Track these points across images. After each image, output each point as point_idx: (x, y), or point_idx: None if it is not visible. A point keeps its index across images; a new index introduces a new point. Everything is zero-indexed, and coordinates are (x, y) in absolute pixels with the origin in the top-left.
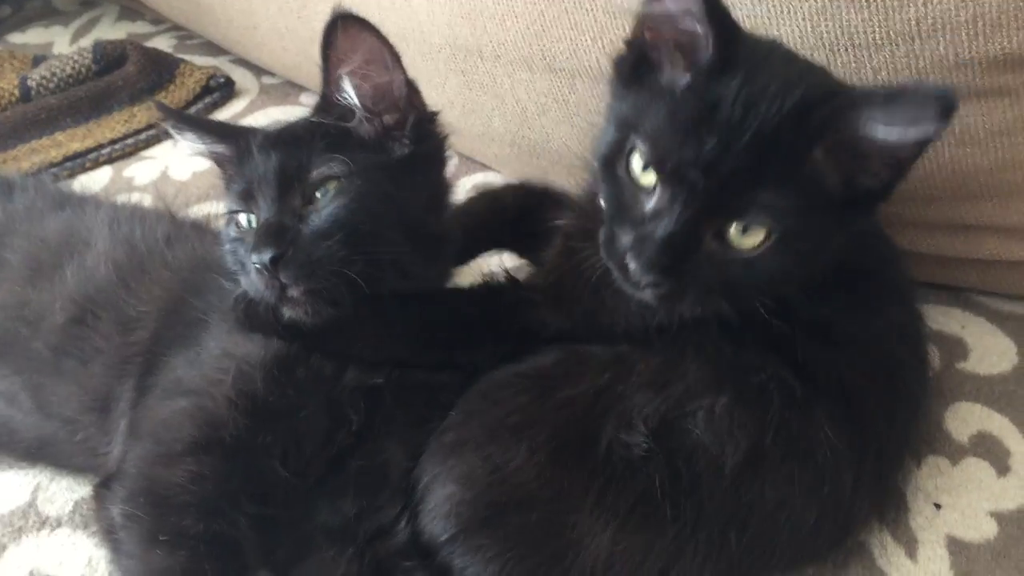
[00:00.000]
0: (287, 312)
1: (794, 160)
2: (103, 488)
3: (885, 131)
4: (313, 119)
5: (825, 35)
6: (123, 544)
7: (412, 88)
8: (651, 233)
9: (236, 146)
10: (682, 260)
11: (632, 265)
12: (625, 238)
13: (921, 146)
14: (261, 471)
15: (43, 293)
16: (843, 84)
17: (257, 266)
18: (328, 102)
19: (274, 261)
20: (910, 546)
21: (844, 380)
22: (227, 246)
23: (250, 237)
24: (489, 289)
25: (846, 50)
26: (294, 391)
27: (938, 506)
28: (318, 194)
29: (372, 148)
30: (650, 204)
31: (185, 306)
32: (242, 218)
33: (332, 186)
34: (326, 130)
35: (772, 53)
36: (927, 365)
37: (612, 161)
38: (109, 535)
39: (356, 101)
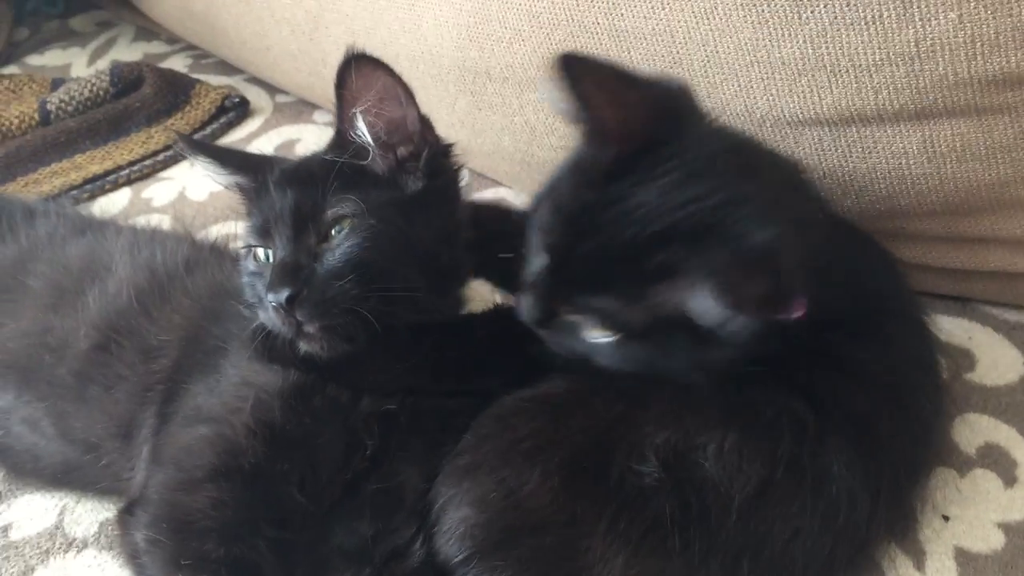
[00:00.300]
0: (303, 346)
1: (635, 288)
2: (126, 514)
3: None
4: (327, 157)
5: (826, 57)
6: (147, 569)
7: (426, 123)
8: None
9: (254, 178)
10: (548, 317)
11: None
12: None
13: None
14: (279, 497)
15: (66, 320)
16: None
17: (273, 304)
18: (342, 139)
19: (290, 300)
20: (918, 558)
21: (859, 409)
22: (246, 279)
23: (268, 272)
24: (498, 317)
25: (847, 71)
26: (311, 419)
27: (946, 518)
28: (333, 232)
29: (386, 185)
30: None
31: (205, 334)
32: (260, 252)
33: (346, 224)
34: (340, 168)
35: (693, 162)
36: (941, 388)
37: (536, 210)
38: (133, 560)
39: (369, 139)
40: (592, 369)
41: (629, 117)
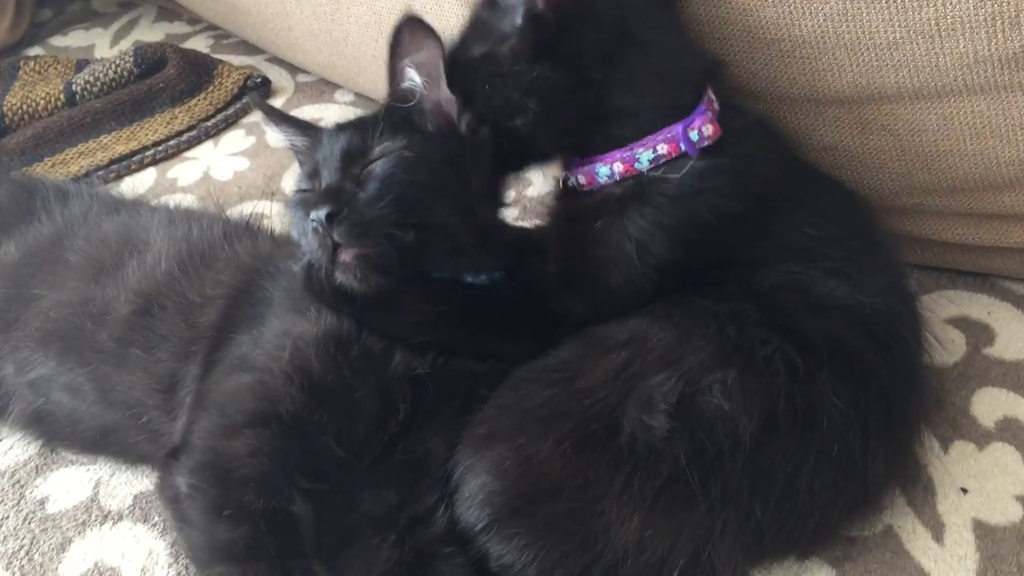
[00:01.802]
0: (339, 276)
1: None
2: (170, 458)
3: None
4: (382, 108)
5: (845, 35)
6: (188, 514)
7: (459, 102)
8: None
9: (311, 138)
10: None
11: None
12: None
13: None
14: (316, 447)
15: (107, 289)
16: None
17: (313, 223)
18: (393, 92)
19: (329, 218)
20: (937, 530)
21: (842, 345)
22: (293, 216)
23: (309, 203)
24: (520, 282)
25: (867, 49)
26: (347, 370)
27: (964, 491)
28: (376, 166)
29: (428, 135)
30: None
31: (255, 288)
32: (308, 195)
33: (392, 157)
34: (389, 115)
35: None
36: (919, 322)
37: None
38: (174, 503)
39: (418, 82)
40: (596, 329)
41: None
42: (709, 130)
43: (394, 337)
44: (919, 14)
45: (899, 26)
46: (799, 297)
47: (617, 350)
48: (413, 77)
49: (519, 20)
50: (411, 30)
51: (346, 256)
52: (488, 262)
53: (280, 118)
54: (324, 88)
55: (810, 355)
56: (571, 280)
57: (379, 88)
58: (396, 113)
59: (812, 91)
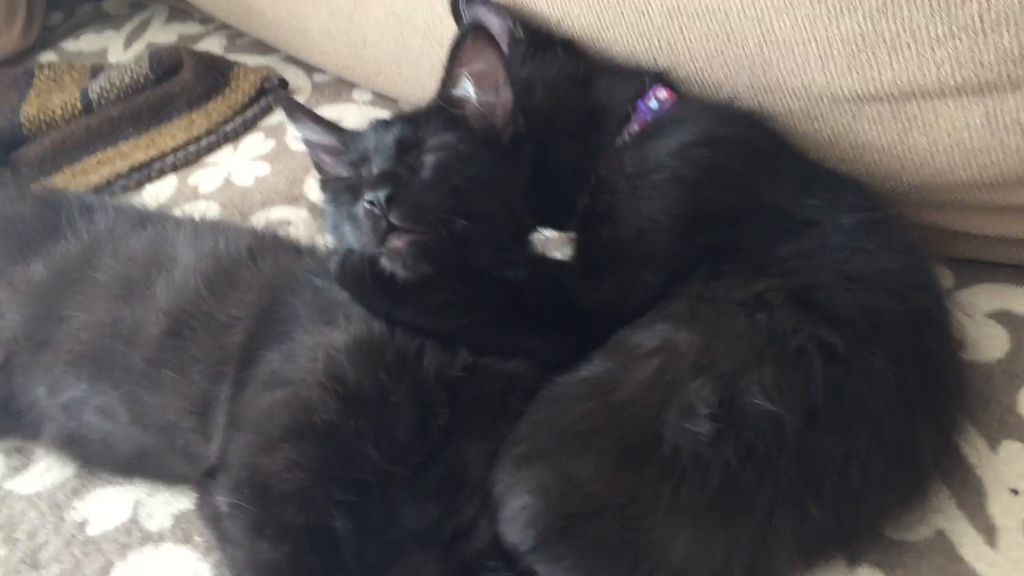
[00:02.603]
0: (385, 263)
1: None
2: (208, 478)
3: None
4: (432, 105)
5: (887, 32)
6: (229, 533)
7: (516, 107)
8: None
9: (342, 136)
10: None
11: None
12: None
13: None
14: (355, 457)
15: (136, 309)
16: None
17: (368, 204)
18: (444, 95)
19: (389, 198)
20: (989, 533)
21: (877, 314)
22: (330, 199)
23: (359, 190)
24: (548, 279)
25: (908, 47)
26: (383, 373)
27: (1015, 492)
28: (431, 157)
29: (479, 137)
30: None
31: (279, 305)
32: (352, 180)
33: (447, 150)
34: (440, 113)
35: None
36: (937, 283)
37: None
38: (215, 524)
39: (472, 94)
40: (625, 338)
41: None
42: (663, 93)
43: (423, 328)
44: (963, 10)
45: (942, 22)
46: (824, 268)
47: (648, 358)
48: (467, 87)
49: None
50: (474, 39)
51: (398, 241)
52: (519, 262)
53: (304, 114)
54: (342, 88)
55: (848, 330)
56: (597, 267)
57: (398, 88)
58: (446, 112)
59: (853, 89)
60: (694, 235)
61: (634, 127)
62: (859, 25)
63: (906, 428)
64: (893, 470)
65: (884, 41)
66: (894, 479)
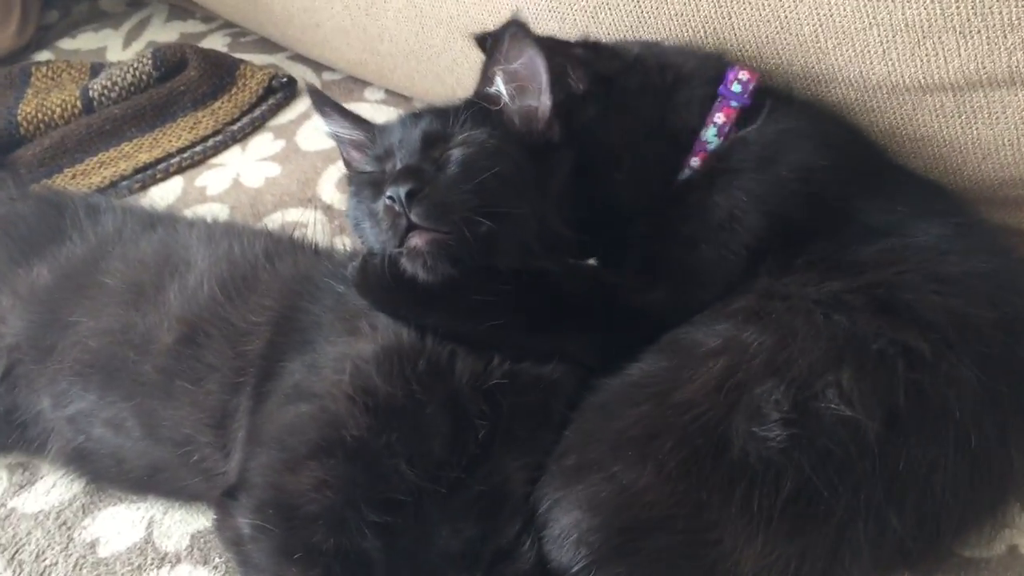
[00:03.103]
0: (405, 264)
1: None
2: (227, 498)
3: None
4: (465, 99)
5: (956, 17)
6: (252, 557)
7: (555, 112)
8: None
9: (369, 130)
10: None
11: None
12: None
13: None
14: (386, 474)
15: (148, 316)
16: None
17: (388, 201)
18: (480, 91)
19: (410, 195)
20: None
21: (965, 319)
22: (355, 199)
23: (381, 185)
24: (591, 274)
25: (978, 32)
26: (415, 384)
27: None
28: (457, 152)
29: (512, 134)
30: None
31: (299, 312)
32: (375, 175)
33: (474, 145)
34: (473, 107)
35: None
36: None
37: None
38: (236, 546)
39: (504, 92)
40: (680, 337)
41: None
42: (744, 75)
43: (454, 332)
44: None
45: (1017, 5)
46: (910, 270)
47: (713, 358)
48: (500, 86)
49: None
50: (513, 36)
51: (418, 240)
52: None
53: (333, 108)
54: (352, 86)
55: (934, 334)
56: (656, 266)
57: (414, 85)
58: (478, 106)
59: (916, 78)
60: (766, 253)
61: (718, 117)
62: (926, 10)
63: (996, 439)
64: (980, 482)
65: (953, 27)
66: (980, 491)
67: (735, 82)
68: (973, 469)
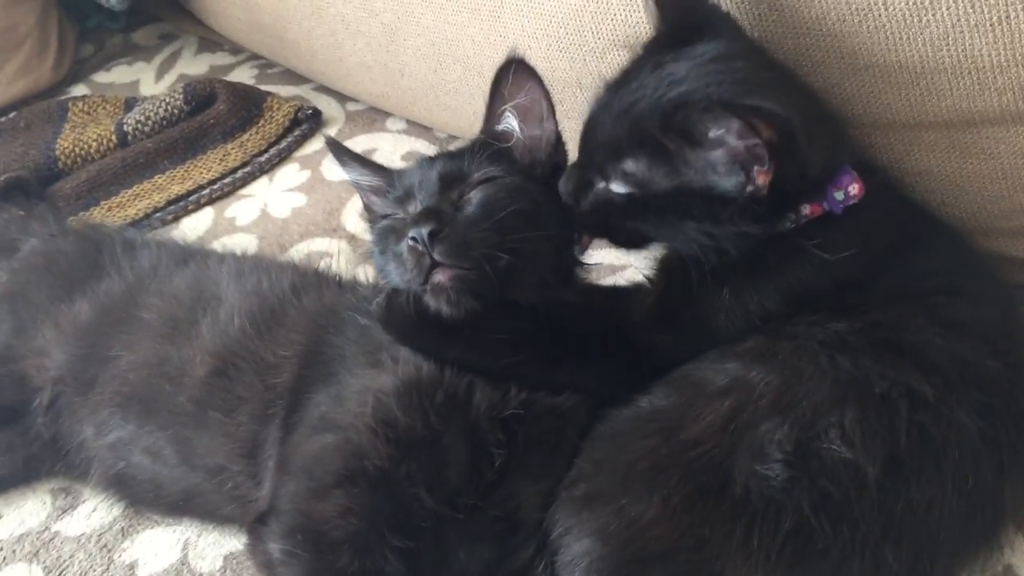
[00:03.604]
0: (429, 301)
1: (658, 144)
2: (259, 524)
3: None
4: (476, 139)
5: (947, 59)
6: None
7: (559, 137)
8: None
9: (388, 176)
10: (581, 190)
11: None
12: None
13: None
14: (407, 501)
15: (182, 349)
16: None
17: (411, 242)
18: (489, 130)
19: (432, 235)
20: None
21: (970, 365)
22: (376, 239)
23: (403, 228)
24: (605, 309)
25: (968, 73)
26: (433, 416)
27: None
28: (476, 192)
29: (524, 170)
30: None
31: (325, 346)
32: (396, 219)
33: (492, 184)
34: (486, 147)
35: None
36: None
37: None
38: (268, 569)
39: (516, 128)
40: (690, 373)
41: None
42: (855, 189)
43: (474, 366)
44: None
45: (1005, 49)
46: (917, 313)
47: (720, 397)
48: (511, 122)
49: (729, 186)
50: (515, 72)
51: (442, 277)
52: (568, 295)
53: (352, 158)
54: (375, 117)
55: (937, 378)
56: (670, 318)
57: (434, 117)
58: (490, 146)
59: (909, 116)
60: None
61: (804, 208)
62: (919, 53)
63: (992, 483)
64: (974, 520)
65: (944, 68)
66: (974, 528)
67: (842, 191)
68: (969, 509)
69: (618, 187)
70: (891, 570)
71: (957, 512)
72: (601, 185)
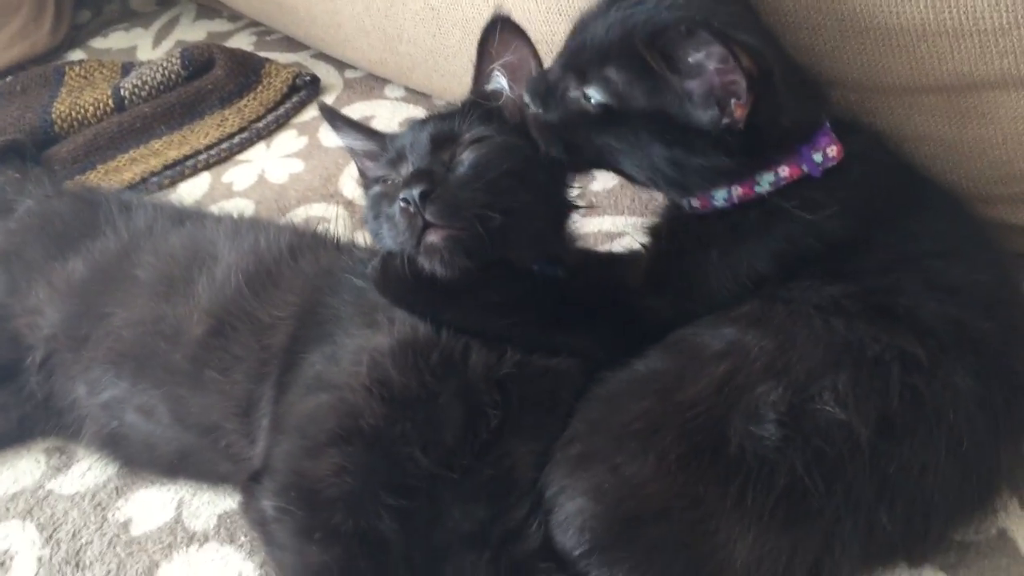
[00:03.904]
0: (423, 262)
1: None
2: (253, 482)
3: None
4: (466, 100)
5: (948, 21)
6: (276, 537)
7: None
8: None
9: (381, 140)
10: (549, 95)
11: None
12: None
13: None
14: (400, 460)
15: (178, 307)
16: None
17: (403, 203)
18: (478, 91)
19: (423, 196)
20: None
21: (964, 328)
22: (370, 203)
23: (395, 191)
24: (598, 276)
25: (970, 36)
26: (428, 376)
27: None
28: (467, 153)
29: (515, 129)
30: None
31: (320, 307)
32: (389, 181)
33: (482, 142)
34: (476, 107)
35: None
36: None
37: None
38: (261, 527)
39: (505, 87)
40: (685, 337)
41: None
42: (833, 151)
43: (470, 328)
44: None
45: (1007, 12)
46: (911, 276)
47: (716, 361)
48: (500, 80)
49: (704, 119)
50: (501, 31)
51: (434, 237)
52: (564, 256)
53: (345, 123)
54: (374, 84)
55: (931, 341)
56: (663, 284)
57: (433, 84)
58: (480, 106)
59: (909, 80)
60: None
61: (783, 170)
62: (920, 14)
63: (987, 443)
64: (968, 482)
65: (946, 30)
66: (968, 491)
67: (819, 152)
68: (963, 471)
69: (596, 93)
70: (884, 531)
71: (951, 475)
72: (575, 93)
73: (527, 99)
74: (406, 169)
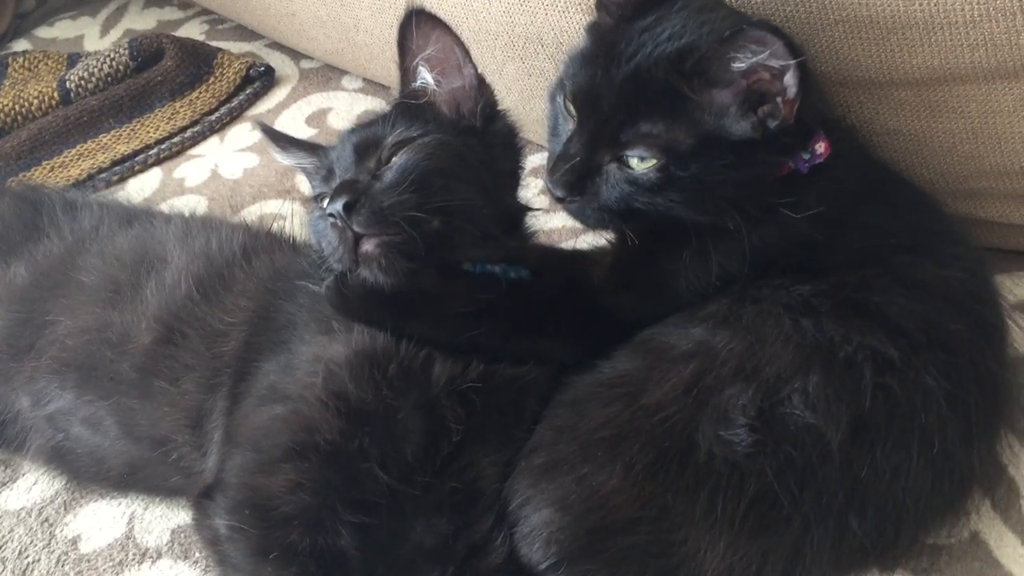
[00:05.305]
0: (364, 273)
1: (673, 96)
2: (204, 498)
3: (738, 65)
4: (394, 102)
5: (919, 14)
6: (230, 557)
7: (481, 80)
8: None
9: (319, 156)
10: (585, 178)
11: (546, 179)
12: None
13: (776, 76)
14: (358, 476)
15: (125, 314)
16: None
17: (332, 219)
18: (405, 90)
19: (347, 208)
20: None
21: (935, 327)
22: (313, 226)
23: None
24: (562, 277)
25: (941, 29)
26: (386, 389)
27: None
28: (395, 157)
29: (447, 124)
30: (568, 127)
31: (274, 312)
32: (325, 200)
33: (408, 146)
34: (403, 106)
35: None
36: (998, 296)
37: (554, 94)
38: (214, 545)
39: (431, 82)
40: (653, 337)
41: None
42: (821, 148)
43: (432, 339)
44: None
45: (978, 4)
46: (881, 273)
47: (684, 362)
48: (425, 76)
49: (745, 128)
50: (418, 24)
51: (368, 246)
52: (518, 251)
53: (286, 141)
54: (331, 75)
55: (903, 340)
56: (629, 279)
57: (391, 74)
58: (406, 106)
59: (880, 73)
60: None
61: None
62: (891, 6)
63: (960, 445)
64: (940, 485)
65: (917, 23)
66: (940, 493)
67: (808, 150)
68: (935, 474)
69: (640, 154)
70: (855, 537)
71: (923, 478)
72: (612, 166)
73: (557, 195)
74: (334, 182)
